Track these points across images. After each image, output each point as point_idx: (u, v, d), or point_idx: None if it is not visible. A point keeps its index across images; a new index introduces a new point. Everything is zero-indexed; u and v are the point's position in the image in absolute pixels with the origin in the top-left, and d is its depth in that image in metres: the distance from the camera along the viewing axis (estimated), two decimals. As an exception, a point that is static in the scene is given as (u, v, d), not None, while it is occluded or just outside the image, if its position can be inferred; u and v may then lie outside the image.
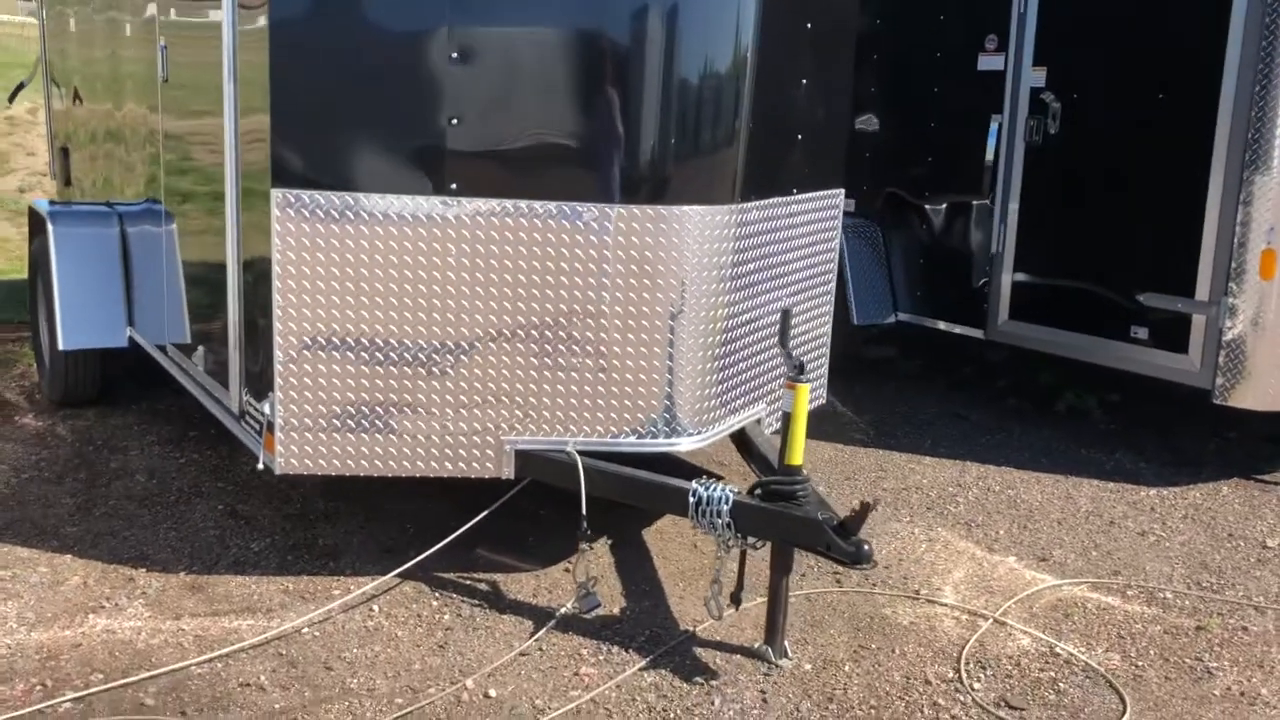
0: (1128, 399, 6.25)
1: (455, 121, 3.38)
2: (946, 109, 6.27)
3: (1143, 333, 5.34)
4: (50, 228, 5.21)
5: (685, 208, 3.53)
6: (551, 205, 3.45)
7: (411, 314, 3.48)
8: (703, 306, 3.64)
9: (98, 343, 5.22)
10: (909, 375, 6.82)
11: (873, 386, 6.52)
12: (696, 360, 3.67)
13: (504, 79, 3.39)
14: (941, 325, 6.41)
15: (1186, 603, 3.92)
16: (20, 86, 7.54)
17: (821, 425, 5.73)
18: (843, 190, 4.59)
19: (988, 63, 5.99)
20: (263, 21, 3.38)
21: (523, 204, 3.44)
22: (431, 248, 3.46)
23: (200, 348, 4.20)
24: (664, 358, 3.61)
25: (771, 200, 3.93)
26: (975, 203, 6.10)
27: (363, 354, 3.50)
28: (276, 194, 3.40)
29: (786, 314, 3.33)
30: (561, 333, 3.54)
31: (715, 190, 3.61)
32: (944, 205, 6.32)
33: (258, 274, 3.66)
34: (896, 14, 6.54)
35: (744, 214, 3.73)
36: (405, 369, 3.52)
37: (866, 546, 3.01)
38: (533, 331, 3.53)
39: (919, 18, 6.37)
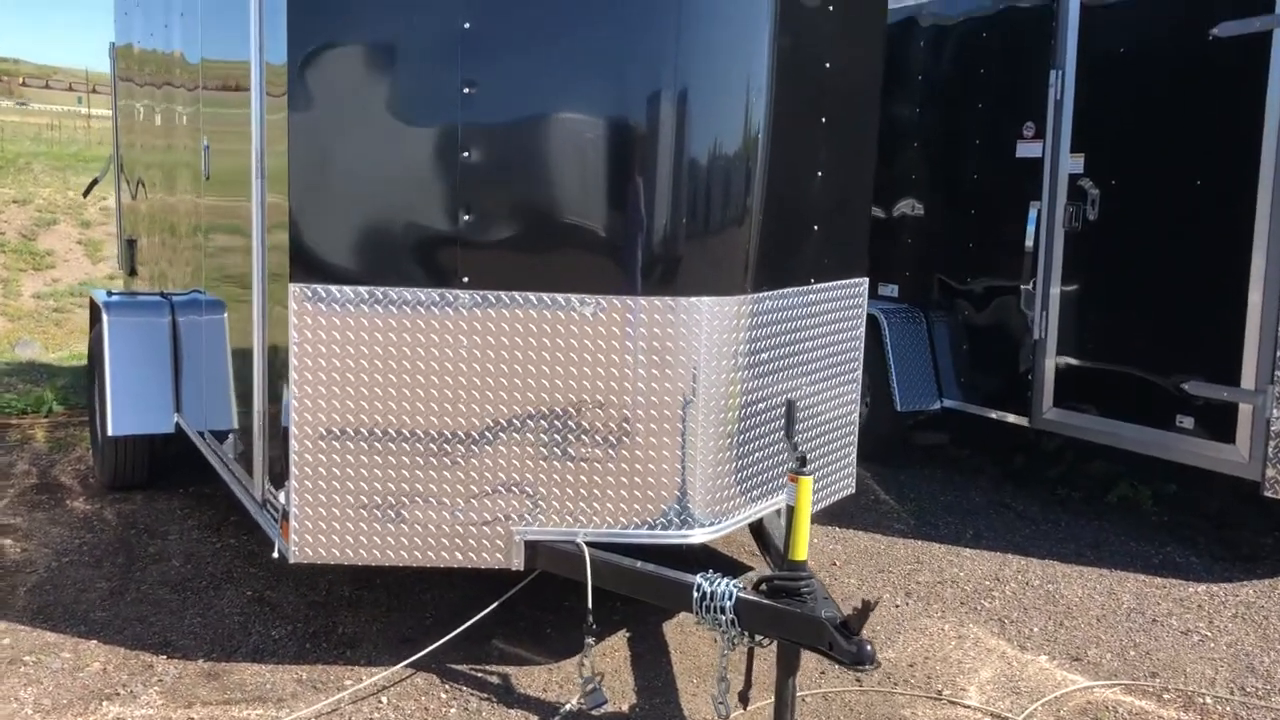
0: (1184, 490, 6.05)
1: (467, 215, 3.46)
2: (986, 195, 6.24)
3: (1188, 422, 5.19)
4: (105, 317, 5.40)
5: (696, 299, 3.55)
6: (560, 297, 3.49)
7: (424, 405, 3.54)
8: (715, 397, 3.63)
9: (145, 429, 5.37)
10: (958, 463, 6.69)
11: (919, 474, 6.41)
12: (709, 451, 3.65)
13: (514, 174, 3.47)
14: (987, 412, 6.31)
15: (1228, 709, 3.75)
16: (94, 182, 7.91)
17: (862, 515, 5.64)
18: (866, 279, 4.57)
19: (1026, 150, 5.96)
20: (282, 128, 3.52)
21: (532, 296, 3.49)
22: (444, 339, 3.52)
23: (231, 435, 4.30)
24: (676, 449, 3.60)
25: (787, 290, 3.93)
26: (1016, 289, 6.03)
27: (376, 444, 3.55)
28: (294, 288, 3.50)
29: (791, 405, 3.31)
30: (572, 423, 3.56)
31: (726, 281, 3.63)
32: (985, 291, 6.26)
33: (279, 364, 3.75)
34: (935, 102, 6.57)
35: (757, 304, 3.74)
36: (417, 459, 3.56)
37: (869, 647, 2.94)
38: (543, 422, 3.55)
39: (957, 105, 6.38)
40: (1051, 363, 5.87)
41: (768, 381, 3.89)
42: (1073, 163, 5.71)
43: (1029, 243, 5.90)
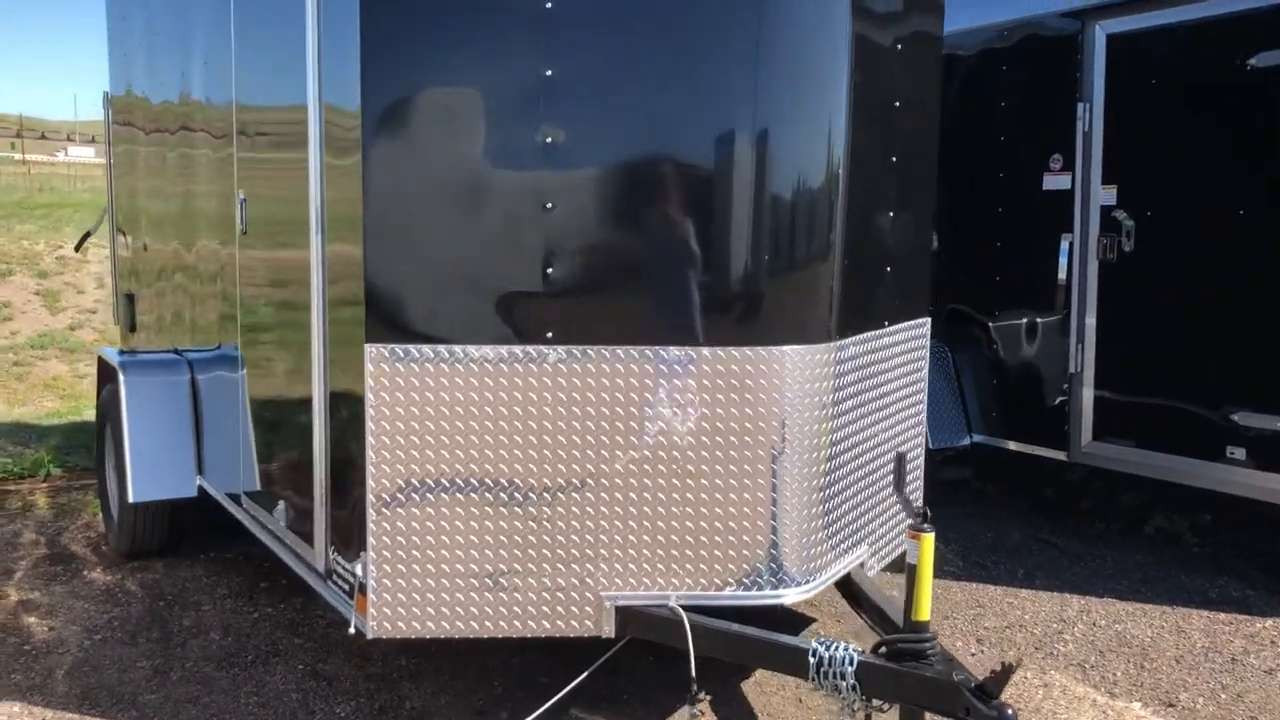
0: (1219, 519, 6.02)
1: (550, 269, 3.32)
2: (1013, 228, 6.20)
3: (1240, 453, 5.15)
4: (121, 377, 5.18)
5: (786, 348, 3.43)
6: (648, 350, 3.35)
7: (507, 466, 3.37)
8: (803, 449, 3.51)
9: (168, 494, 5.13)
10: (988, 498, 6.62)
11: (949, 511, 6.32)
12: (800, 506, 3.52)
13: (598, 225, 3.34)
14: (1020, 447, 6.24)
15: (1331, 750, 3.67)
16: (87, 235, 7.64)
17: (905, 556, 5.53)
18: (929, 320, 4.48)
19: (1054, 182, 5.93)
20: (354, 176, 3.36)
21: (619, 350, 3.35)
22: (527, 397, 3.36)
23: (281, 502, 4.10)
24: (766, 504, 3.47)
25: (866, 335, 3.82)
26: (1048, 321, 5.99)
27: (458, 510, 3.38)
28: (370, 349, 3.33)
29: (901, 459, 3.19)
30: (661, 480, 3.41)
31: (814, 328, 3.51)
32: (1015, 324, 6.21)
33: (347, 429, 3.57)
34: (956, 134, 6.53)
35: (842, 350, 3.63)
36: (501, 523, 3.39)
37: (1010, 711, 2.81)
38: (630, 480, 3.40)
39: (979, 138, 6.35)
40: (1090, 395, 5.82)
41: (852, 429, 3.77)
42: (1105, 194, 5.69)
43: (1061, 275, 5.87)
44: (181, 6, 5.13)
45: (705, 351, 3.37)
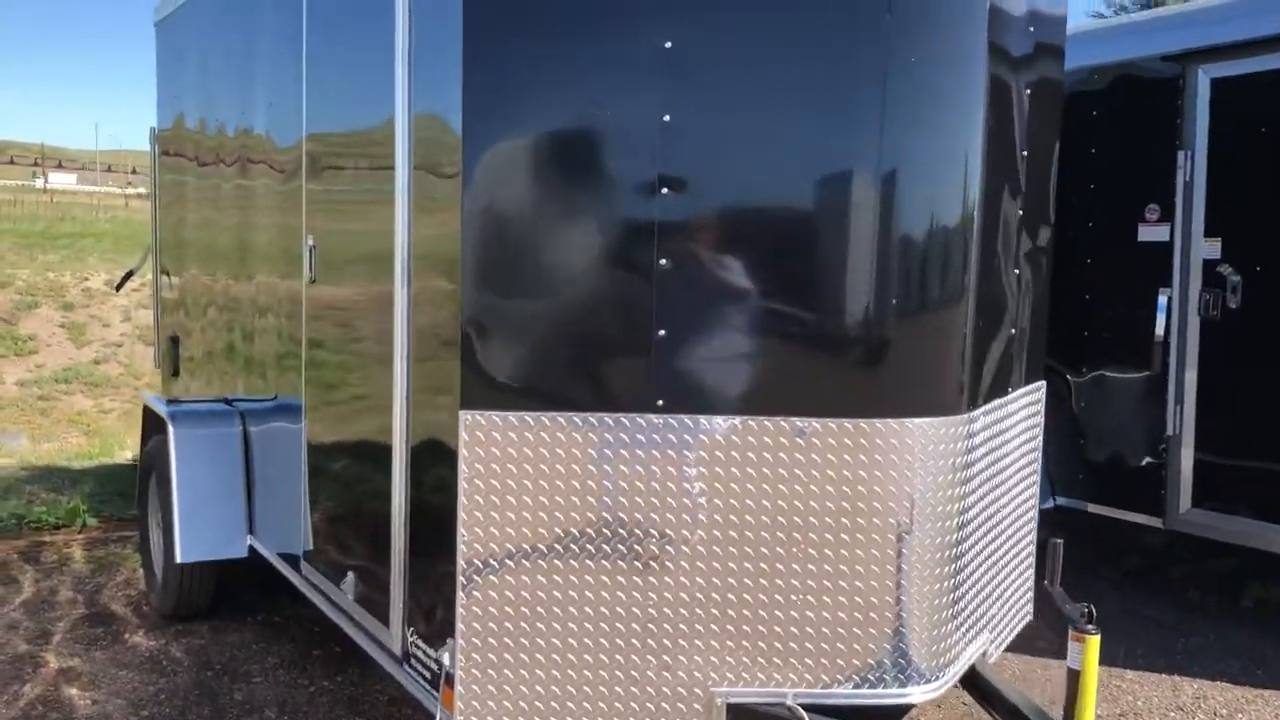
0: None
1: (662, 331, 3.02)
2: (1104, 281, 5.89)
3: (1363, 526, 4.81)
4: (171, 429, 4.90)
5: (915, 421, 3.12)
6: (768, 421, 3.05)
7: (610, 546, 3.06)
8: (932, 530, 3.19)
9: (217, 555, 4.84)
10: (1071, 564, 6.25)
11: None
12: (928, 594, 3.20)
13: (714, 283, 3.04)
14: (1109, 511, 5.90)
15: None
16: (129, 274, 7.39)
17: (995, 629, 5.18)
18: (1044, 383, 4.17)
19: (1150, 233, 5.63)
20: (450, 229, 3.08)
21: (736, 421, 3.05)
22: (634, 470, 3.06)
23: (350, 573, 3.79)
24: (892, 591, 3.14)
25: (993, 403, 3.52)
26: (1142, 380, 5.66)
27: (556, 594, 3.07)
28: (466, 415, 3.04)
29: (1055, 547, 2.88)
30: (779, 565, 3.09)
31: (944, 399, 3.21)
32: (1105, 382, 5.89)
33: (432, 497, 3.28)
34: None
35: (972, 422, 3.32)
36: (603, 610, 3.08)
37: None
38: (745, 564, 3.09)
39: (1068, 186, 6.04)
40: (1189, 459, 5.48)
41: (978, 506, 3.46)
42: (1208, 248, 5.38)
43: (1159, 331, 5.55)
44: (244, 38, 4.90)
45: (831, 424, 3.06)
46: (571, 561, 3.07)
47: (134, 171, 69.56)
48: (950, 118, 3.16)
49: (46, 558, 5.96)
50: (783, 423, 3.05)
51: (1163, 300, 5.55)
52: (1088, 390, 5.97)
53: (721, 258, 3.03)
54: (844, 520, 3.08)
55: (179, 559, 4.75)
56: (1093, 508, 5.97)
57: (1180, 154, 5.44)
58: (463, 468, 3.05)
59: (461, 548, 3.06)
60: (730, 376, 3.07)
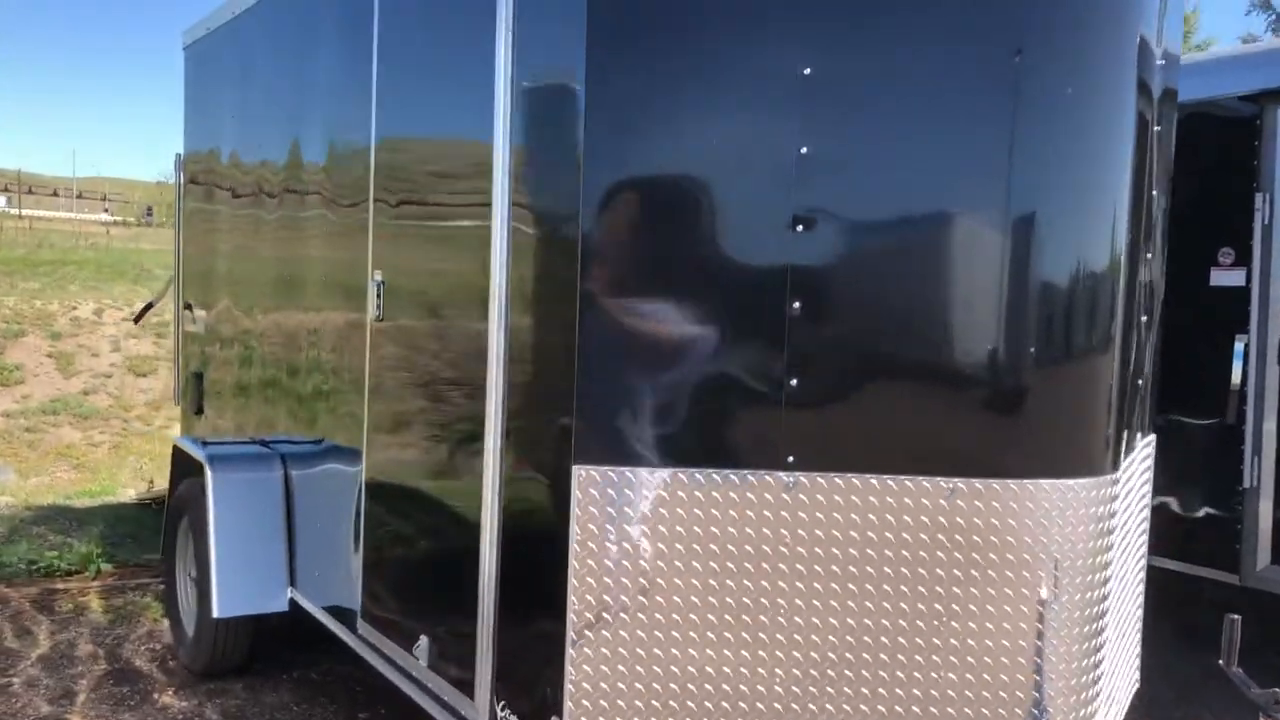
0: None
1: (794, 381, 2.77)
2: (1173, 326, 5.67)
3: None
4: (209, 474, 4.60)
5: (1063, 481, 2.88)
6: (908, 481, 2.80)
7: (734, 617, 2.80)
8: (1075, 601, 2.94)
9: (257, 609, 4.54)
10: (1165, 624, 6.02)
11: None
12: (1068, 673, 2.94)
13: (853, 329, 2.80)
14: (1178, 567, 5.66)
15: None
16: (149, 306, 7.09)
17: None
18: (1154, 435, 3.95)
19: (1224, 278, 5.43)
20: (561, 267, 2.83)
21: (873, 480, 2.80)
22: (761, 534, 2.80)
23: (424, 638, 3.50)
24: (1029, 670, 2.89)
25: (1128, 459, 3.29)
26: (1216, 429, 5.45)
27: (674, 670, 2.80)
28: (580, 472, 2.77)
29: (1233, 624, 2.64)
30: (920, 640, 2.83)
31: (1093, 457, 2.97)
32: (1174, 432, 5.67)
33: (532, 558, 3.01)
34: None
35: (1114, 484, 3.08)
36: (725, 686, 2.81)
37: None
38: (883, 639, 2.83)
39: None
40: (1268, 513, 5.26)
41: (1115, 571, 3.22)
42: (1289, 293, 5.20)
43: (1235, 379, 5.34)
44: (295, 63, 4.65)
45: (978, 484, 2.82)
46: (692, 634, 2.80)
47: (104, 199, 68.97)
48: (1102, 156, 2.94)
49: (61, 606, 5.62)
50: (925, 483, 2.80)
51: (1239, 347, 5.34)
52: (1158, 440, 5.75)
53: (859, 302, 2.80)
54: (989, 590, 2.83)
55: (216, 613, 4.44)
56: (1163, 563, 5.73)
57: (1258, 195, 5.26)
58: (575, 528, 2.78)
59: (572, 617, 2.79)
60: (867, 431, 2.82)
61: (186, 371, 6.26)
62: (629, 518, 2.79)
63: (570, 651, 2.79)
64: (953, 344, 2.80)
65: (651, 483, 2.78)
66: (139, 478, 10.19)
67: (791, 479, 2.79)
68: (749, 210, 2.79)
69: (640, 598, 2.79)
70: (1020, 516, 2.84)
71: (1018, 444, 2.85)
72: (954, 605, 2.82)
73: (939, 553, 2.82)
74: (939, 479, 2.80)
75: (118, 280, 24.06)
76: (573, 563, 2.78)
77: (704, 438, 2.81)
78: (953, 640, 2.84)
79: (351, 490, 4.06)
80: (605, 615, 2.79)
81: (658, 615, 2.79)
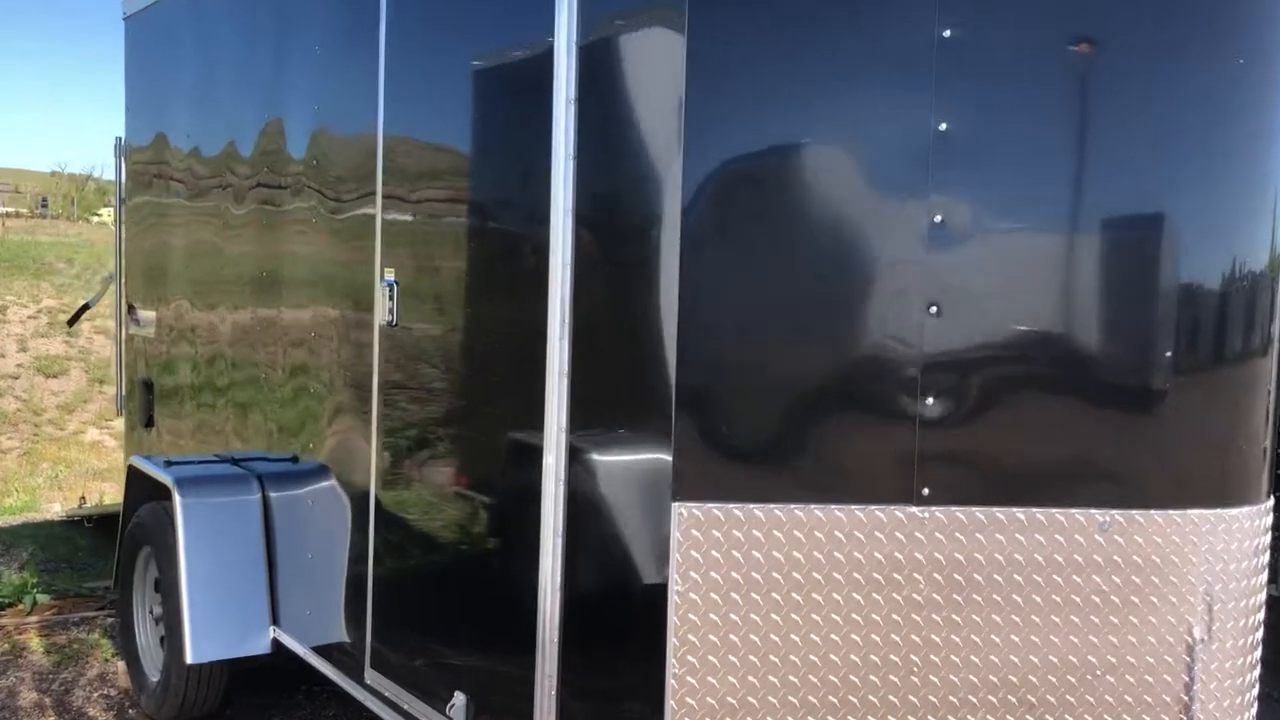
0: None
1: (930, 400, 2.37)
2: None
3: None
4: (178, 499, 4.05)
5: (1228, 510, 2.52)
6: (1059, 514, 2.40)
7: (859, 678, 2.39)
8: (1231, 644, 2.59)
9: (236, 651, 4.00)
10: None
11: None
12: (1221, 717, 2.60)
13: (998, 338, 2.39)
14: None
15: None
16: (85, 307, 6.42)
17: None
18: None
19: None
20: (646, 272, 2.39)
21: (1019, 514, 2.40)
22: (890, 579, 2.39)
23: (459, 695, 3.00)
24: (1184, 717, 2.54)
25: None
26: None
27: (792, 739, 2.38)
28: (681, 510, 2.33)
29: None
30: (1070, 697, 2.45)
31: (1248, 485, 2.61)
32: None
33: (606, 613, 2.56)
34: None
35: (1268, 513, 2.74)
36: (849, 758, 2.40)
37: None
38: (1029, 696, 2.44)
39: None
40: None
41: (1263, 602, 2.88)
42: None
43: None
44: (274, 34, 4.11)
45: (1139, 516, 2.44)
46: (810, 698, 2.38)
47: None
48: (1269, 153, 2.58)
49: (-4, 647, 5.00)
50: (1078, 516, 2.42)
51: None
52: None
53: (1006, 308, 2.40)
54: (1142, 633, 2.46)
55: (190, 659, 3.90)
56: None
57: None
58: (675, 576, 2.34)
59: (672, 683, 2.34)
60: (1011, 458, 2.43)
61: (132, 379, 5.64)
62: (737, 562, 2.36)
63: (671, 704, 2.34)
64: (1113, 357, 2.42)
65: (763, 521, 2.35)
66: (55, 486, 9.45)
67: (925, 514, 2.39)
68: (876, 199, 2.38)
69: (751, 657, 2.36)
70: (1175, 551, 2.47)
71: (1175, 471, 2.48)
72: (1109, 656, 2.44)
73: (1093, 596, 2.43)
74: (1092, 510, 2.42)
75: (18, 275, 22.81)
76: (672, 618, 2.34)
77: (823, 467, 2.39)
78: (1107, 696, 2.46)
79: (355, 516, 3.56)
80: (711, 679, 2.35)
81: (771, 679, 2.37)
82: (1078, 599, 2.43)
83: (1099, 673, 2.44)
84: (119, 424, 12.42)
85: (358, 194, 3.52)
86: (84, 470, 10.32)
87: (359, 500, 3.53)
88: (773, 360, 2.37)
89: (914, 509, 2.38)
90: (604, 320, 2.57)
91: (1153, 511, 2.43)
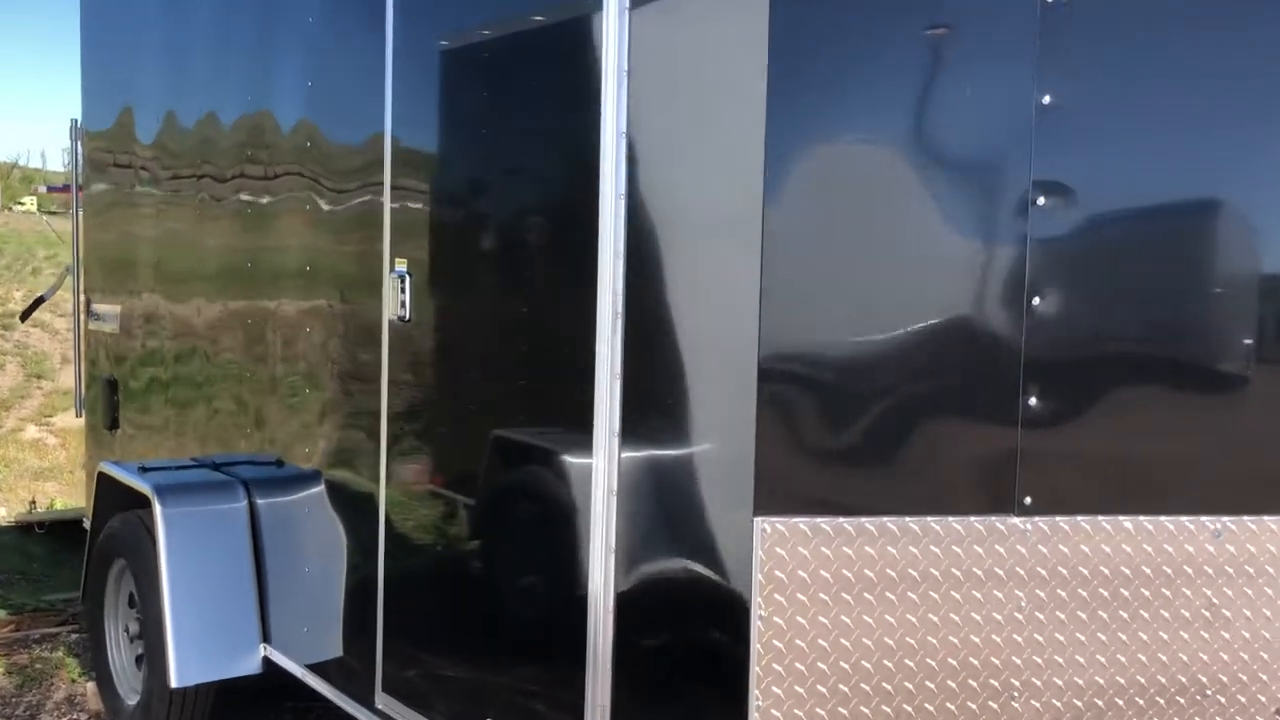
0: None
1: (1033, 400, 2.16)
2: None
3: None
4: (159, 509, 3.73)
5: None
6: (1168, 523, 2.21)
7: (956, 704, 2.18)
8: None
9: (225, 672, 3.69)
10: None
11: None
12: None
13: (1109, 331, 2.20)
14: None
15: None
16: (39, 300, 6.01)
17: None
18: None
19: None
20: (729, 281, 2.15)
21: (1126, 523, 2.21)
22: (990, 595, 2.18)
23: (492, 722, 2.76)
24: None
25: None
26: None
27: (885, 775, 2.17)
28: (763, 526, 2.10)
29: None
30: (1176, 713, 2.27)
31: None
32: None
33: (670, 637, 2.33)
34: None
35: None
36: (945, 793, 2.19)
37: None
38: (1135, 712, 2.25)
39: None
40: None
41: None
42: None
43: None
44: (257, 2, 3.81)
45: (1250, 524, 2.25)
46: (904, 726, 2.17)
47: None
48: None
49: (-48, 669, 4.64)
50: (1188, 523, 2.23)
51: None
52: None
53: (1117, 297, 2.20)
54: (1261, 654, 2.28)
55: (174, 682, 3.59)
56: None
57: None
58: (758, 599, 2.11)
59: (756, 716, 2.12)
60: (1118, 462, 2.23)
61: (93, 377, 5.29)
62: (826, 582, 2.14)
63: (755, 754, 2.12)
64: (1231, 354, 2.23)
65: (854, 535, 2.13)
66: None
67: (1027, 524, 2.18)
68: (973, 180, 2.16)
69: (842, 686, 2.14)
70: (1282, 559, 2.30)
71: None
72: (1219, 673, 2.26)
73: (1204, 610, 2.25)
74: (1203, 518, 2.24)
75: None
76: (755, 645, 2.11)
77: (917, 476, 2.18)
78: (1216, 714, 2.28)
79: (358, 525, 3.29)
80: (798, 710, 2.13)
81: (864, 708, 2.15)
82: (1187, 613, 2.24)
83: (1209, 691, 2.26)
84: (61, 421, 11.94)
85: (362, 178, 3.24)
86: (24, 470, 9.83)
87: (364, 508, 3.24)
88: (861, 359, 2.14)
89: (1015, 519, 2.18)
90: (664, 317, 2.32)
91: (1266, 518, 2.25)
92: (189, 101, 4.29)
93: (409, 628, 3.11)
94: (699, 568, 2.26)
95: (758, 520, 2.10)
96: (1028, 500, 2.17)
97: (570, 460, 2.50)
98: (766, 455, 2.10)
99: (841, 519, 2.13)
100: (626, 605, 2.40)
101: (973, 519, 2.16)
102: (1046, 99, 2.11)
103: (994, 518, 2.17)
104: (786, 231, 2.09)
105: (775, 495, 2.11)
